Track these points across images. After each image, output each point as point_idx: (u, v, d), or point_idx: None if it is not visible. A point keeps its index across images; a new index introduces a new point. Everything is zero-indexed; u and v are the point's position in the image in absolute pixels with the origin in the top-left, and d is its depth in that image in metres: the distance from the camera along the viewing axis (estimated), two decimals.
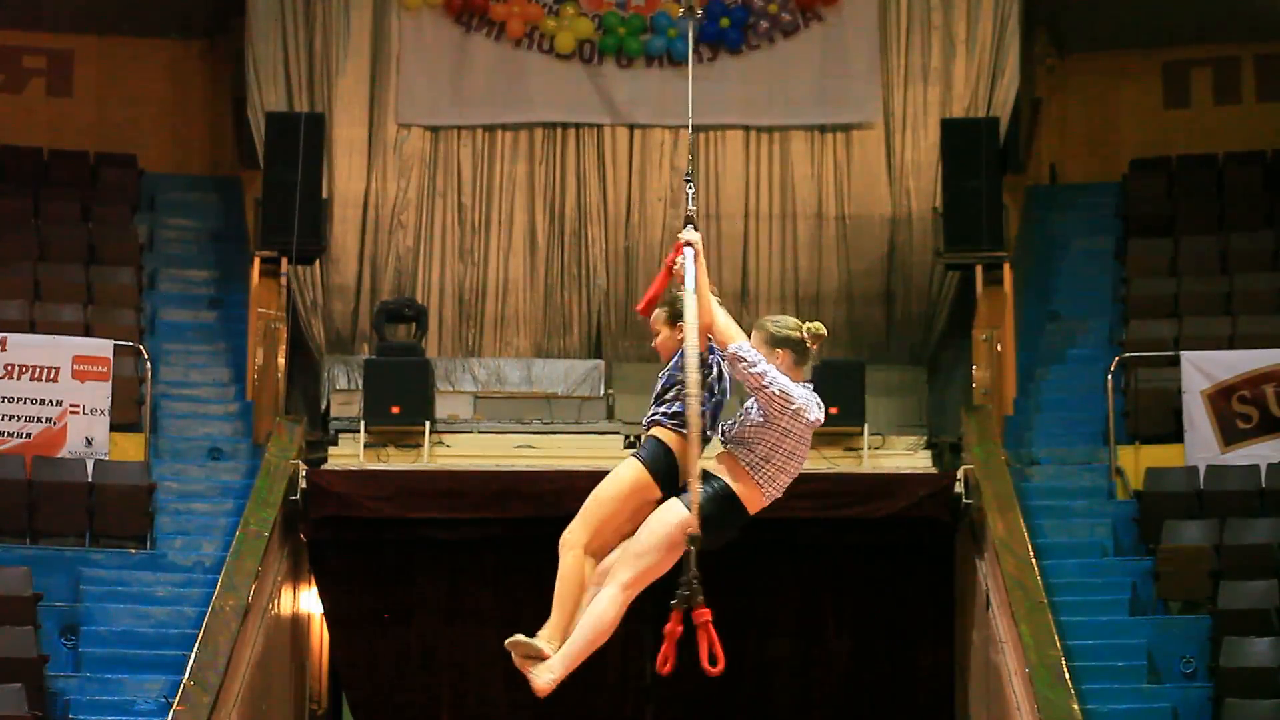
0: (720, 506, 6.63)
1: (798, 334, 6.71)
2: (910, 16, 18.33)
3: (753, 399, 6.69)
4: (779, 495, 6.76)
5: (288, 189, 16.49)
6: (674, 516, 6.57)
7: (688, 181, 7.05)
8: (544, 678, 6.74)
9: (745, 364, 6.58)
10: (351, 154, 18.23)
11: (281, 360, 16.43)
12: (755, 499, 6.70)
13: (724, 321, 6.69)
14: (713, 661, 6.39)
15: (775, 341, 6.70)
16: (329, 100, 18.11)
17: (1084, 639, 13.50)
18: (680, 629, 6.36)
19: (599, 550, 6.85)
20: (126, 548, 14.57)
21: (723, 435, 6.80)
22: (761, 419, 6.64)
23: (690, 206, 6.95)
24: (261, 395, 16.24)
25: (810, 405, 6.65)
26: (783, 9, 18.37)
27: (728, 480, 6.67)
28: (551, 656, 6.72)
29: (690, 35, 8.23)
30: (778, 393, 6.57)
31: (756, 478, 6.66)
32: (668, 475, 6.70)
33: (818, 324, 6.75)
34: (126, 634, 13.65)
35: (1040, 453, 15.84)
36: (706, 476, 6.64)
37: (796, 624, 15.96)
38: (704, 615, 6.38)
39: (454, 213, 18.37)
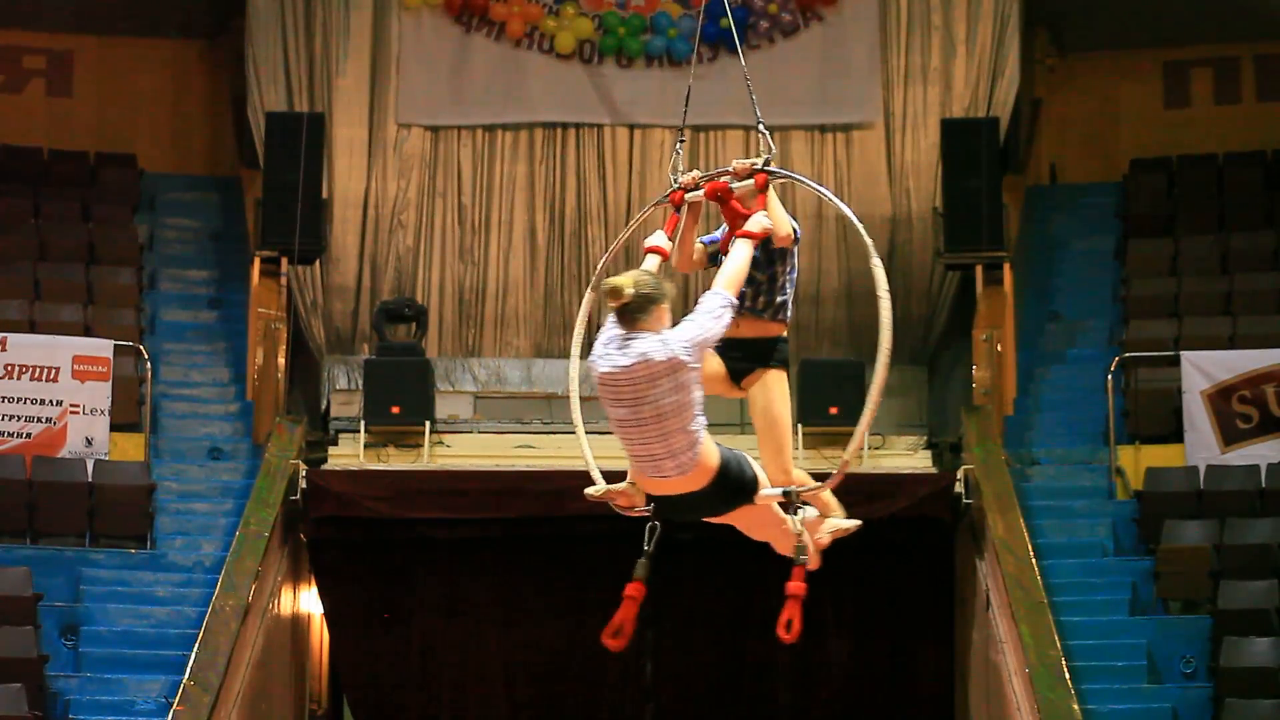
0: None
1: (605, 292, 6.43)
2: (910, 16, 18.32)
3: None
4: (649, 468, 6.33)
5: (288, 189, 16.49)
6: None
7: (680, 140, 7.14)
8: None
9: None
10: (351, 154, 18.23)
11: (281, 360, 16.43)
12: (635, 474, 6.46)
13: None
14: (615, 635, 6.38)
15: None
16: (329, 100, 18.11)
17: (1084, 639, 13.50)
18: (804, 587, 6.32)
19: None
20: (126, 548, 14.57)
21: None
22: None
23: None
24: (261, 395, 16.24)
25: (597, 360, 6.28)
26: (783, 9, 18.37)
27: None
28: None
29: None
30: None
31: None
32: None
33: (613, 281, 6.26)
34: (126, 634, 13.65)
35: (1040, 453, 15.84)
36: None
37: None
38: (632, 588, 6.40)
39: (454, 213, 18.38)
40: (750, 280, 6.77)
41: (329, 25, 18.23)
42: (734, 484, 6.35)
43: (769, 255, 6.85)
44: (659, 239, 6.75)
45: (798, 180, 7.13)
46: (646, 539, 6.51)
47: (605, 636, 6.41)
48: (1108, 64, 19.02)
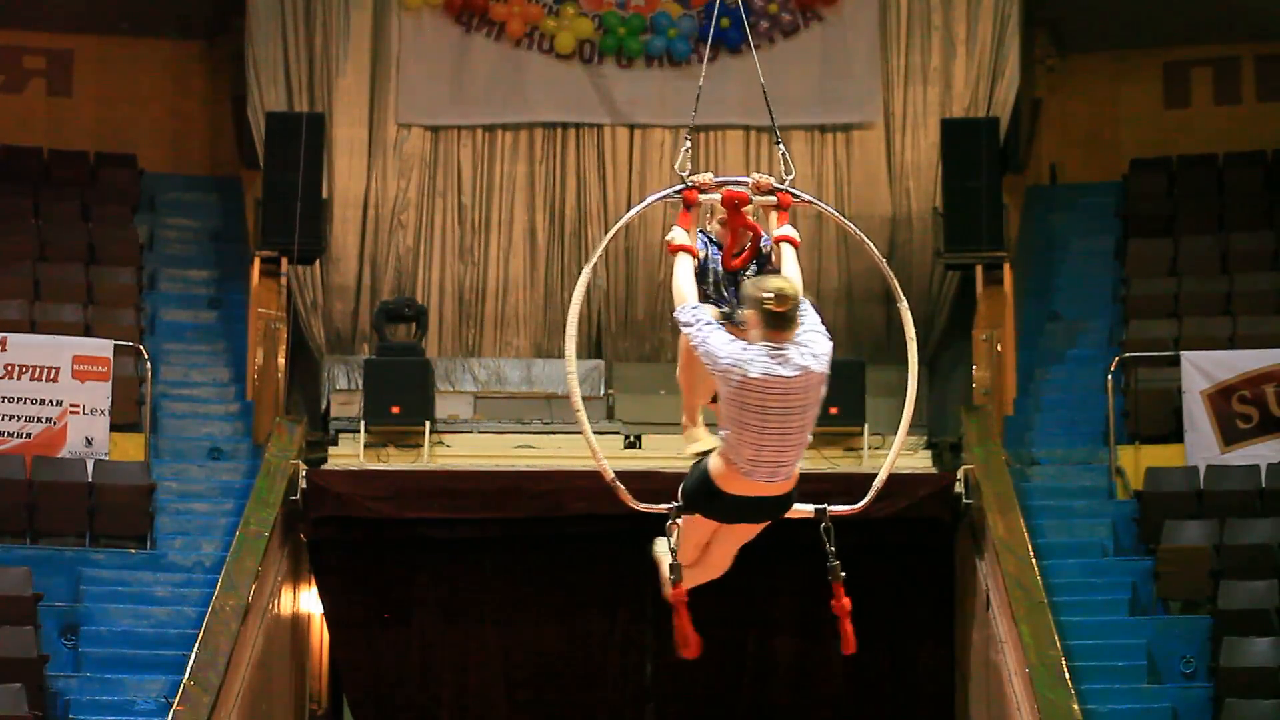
0: (694, 478, 6.45)
1: (757, 294, 6.28)
2: (910, 16, 18.32)
3: None
4: (765, 471, 6.31)
5: (288, 189, 16.49)
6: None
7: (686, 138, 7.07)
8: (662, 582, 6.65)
9: (682, 324, 6.39)
10: (351, 154, 18.22)
11: (281, 360, 16.44)
12: (726, 473, 6.34)
13: (678, 283, 6.51)
14: (684, 644, 6.39)
15: (746, 300, 6.39)
16: (329, 100, 18.11)
17: (1084, 639, 13.50)
18: (849, 603, 6.63)
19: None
20: (126, 548, 14.57)
21: None
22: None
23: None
24: (261, 395, 16.25)
25: (745, 364, 6.18)
26: (783, 9, 18.37)
27: (712, 456, 6.42)
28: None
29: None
30: (703, 354, 6.28)
31: (724, 450, 6.33)
32: None
33: (781, 285, 6.30)
34: (126, 634, 13.65)
35: (1040, 453, 15.84)
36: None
37: (796, 624, 15.95)
38: (678, 595, 6.37)
39: (454, 213, 18.37)
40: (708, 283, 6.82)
41: (329, 25, 18.23)
42: (796, 494, 6.52)
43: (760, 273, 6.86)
44: (686, 237, 6.67)
45: (820, 206, 7.15)
46: (671, 541, 6.52)
47: (680, 649, 6.52)
48: (1108, 64, 19.02)
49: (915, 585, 15.94)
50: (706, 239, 6.97)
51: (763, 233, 6.97)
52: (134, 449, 15.36)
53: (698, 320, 6.34)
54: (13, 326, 15.72)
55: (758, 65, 7.75)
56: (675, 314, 6.47)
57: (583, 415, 6.54)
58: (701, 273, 6.86)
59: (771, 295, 6.21)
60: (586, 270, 6.77)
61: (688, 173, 6.86)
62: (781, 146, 7.03)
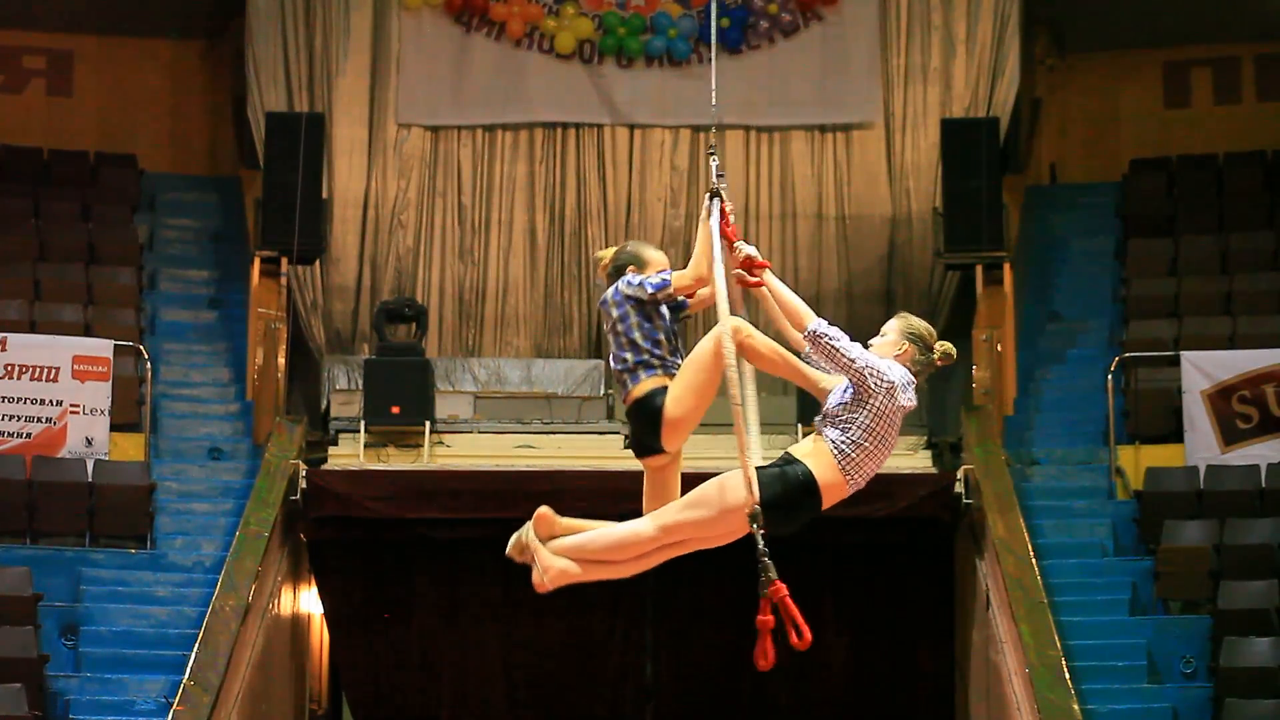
0: (792, 492, 6.23)
1: (931, 341, 6.48)
2: (910, 16, 18.33)
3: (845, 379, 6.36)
4: (861, 485, 6.41)
5: (288, 189, 16.50)
6: (737, 483, 6.15)
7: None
8: (544, 573, 6.30)
9: (827, 338, 6.32)
10: (351, 154, 18.23)
11: (281, 360, 16.44)
12: (837, 488, 6.32)
13: (791, 298, 6.55)
14: (799, 635, 5.88)
15: (907, 334, 6.49)
16: (329, 100, 18.11)
17: (1084, 639, 13.50)
18: (772, 620, 5.87)
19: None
20: (126, 548, 14.57)
21: (817, 418, 6.45)
22: (853, 398, 6.31)
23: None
24: (261, 395, 16.25)
25: (908, 385, 6.36)
26: (783, 9, 18.37)
27: (811, 466, 6.28)
28: None
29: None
30: (866, 366, 6.26)
31: (843, 464, 6.30)
32: None
33: (951, 346, 6.53)
34: (126, 634, 13.65)
35: (1040, 453, 15.84)
36: (790, 459, 6.30)
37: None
38: (779, 591, 5.89)
39: (454, 213, 18.38)
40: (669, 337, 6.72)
41: (329, 25, 18.23)
42: None
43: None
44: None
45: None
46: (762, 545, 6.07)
47: (759, 660, 6.03)
48: (1108, 64, 19.03)
49: (915, 585, 15.96)
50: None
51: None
52: (134, 449, 15.36)
53: (842, 335, 6.39)
54: (13, 326, 15.72)
55: (713, 75, 7.50)
56: (813, 327, 6.39)
57: (739, 410, 6.12)
58: (652, 306, 6.79)
59: (944, 354, 6.51)
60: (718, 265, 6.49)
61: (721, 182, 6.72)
62: (723, 183, 6.75)
